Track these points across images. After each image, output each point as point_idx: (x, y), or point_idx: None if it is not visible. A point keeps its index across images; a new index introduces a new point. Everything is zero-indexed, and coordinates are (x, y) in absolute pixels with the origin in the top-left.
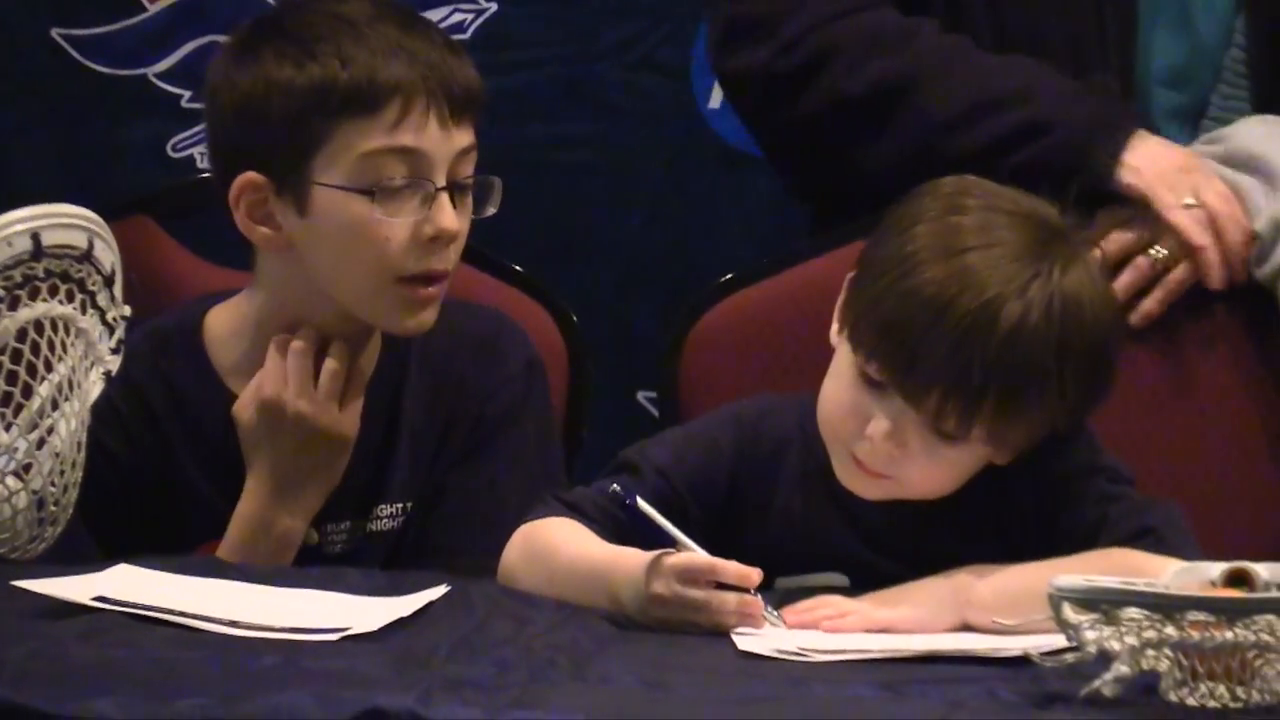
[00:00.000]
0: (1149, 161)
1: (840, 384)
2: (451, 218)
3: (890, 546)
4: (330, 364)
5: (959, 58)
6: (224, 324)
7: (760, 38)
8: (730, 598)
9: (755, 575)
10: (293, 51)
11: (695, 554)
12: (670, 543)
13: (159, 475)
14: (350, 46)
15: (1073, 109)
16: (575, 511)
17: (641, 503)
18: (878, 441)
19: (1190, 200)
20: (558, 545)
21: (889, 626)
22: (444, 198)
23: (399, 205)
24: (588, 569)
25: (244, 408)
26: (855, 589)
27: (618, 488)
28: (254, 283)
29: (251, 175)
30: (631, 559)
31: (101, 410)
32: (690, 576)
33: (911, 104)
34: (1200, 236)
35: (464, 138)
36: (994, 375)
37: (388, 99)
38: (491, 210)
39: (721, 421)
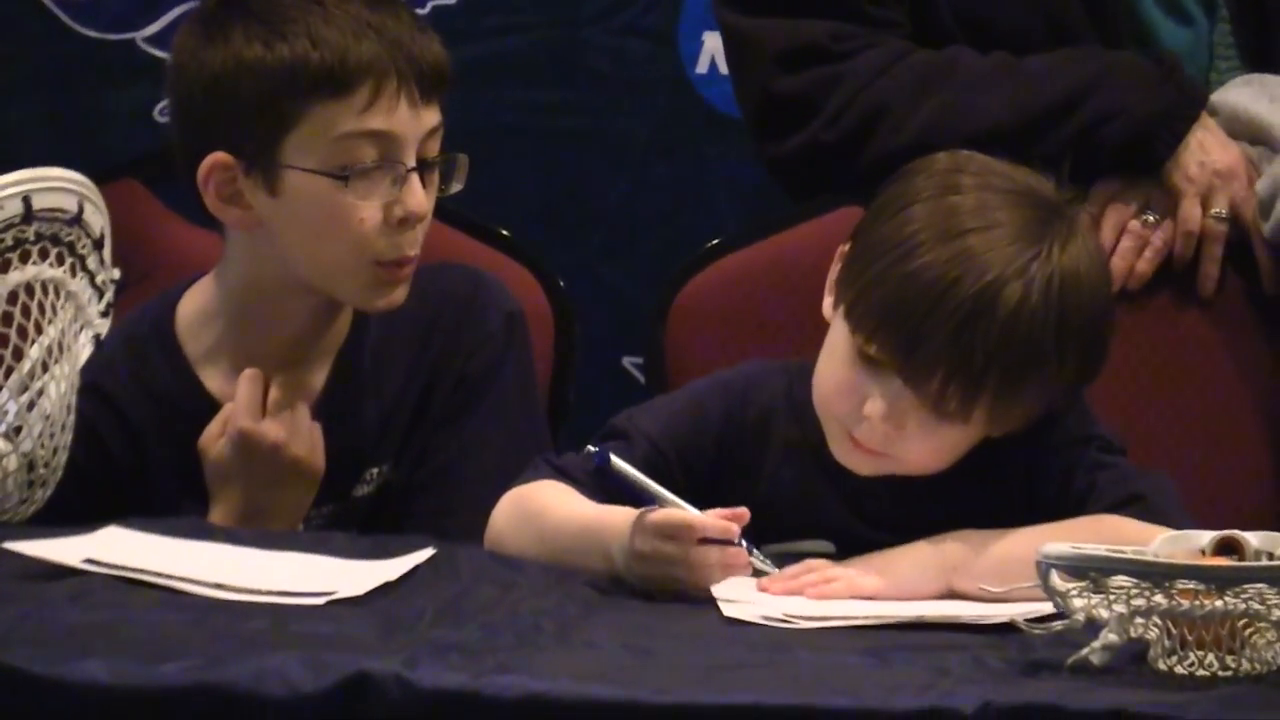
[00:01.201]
0: (1196, 163)
1: (836, 362)
2: (421, 199)
3: (878, 516)
4: (302, 405)
5: (1007, 71)
6: (194, 308)
7: (802, 116)
8: (712, 551)
9: (734, 528)
10: (261, 31)
11: (676, 510)
12: (653, 501)
13: (134, 486)
14: (320, 26)
15: (1136, 95)
16: (564, 476)
17: (616, 461)
18: (875, 421)
19: (1221, 212)
20: (547, 506)
21: (875, 594)
22: (414, 179)
23: (370, 188)
24: (579, 528)
25: (211, 440)
26: (842, 556)
27: (591, 448)
28: (222, 262)
29: (220, 155)
30: (621, 516)
31: (79, 428)
32: (670, 533)
33: (968, 130)
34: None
35: (432, 117)
36: (996, 358)
37: (359, 81)
38: (458, 187)
39: (710, 388)
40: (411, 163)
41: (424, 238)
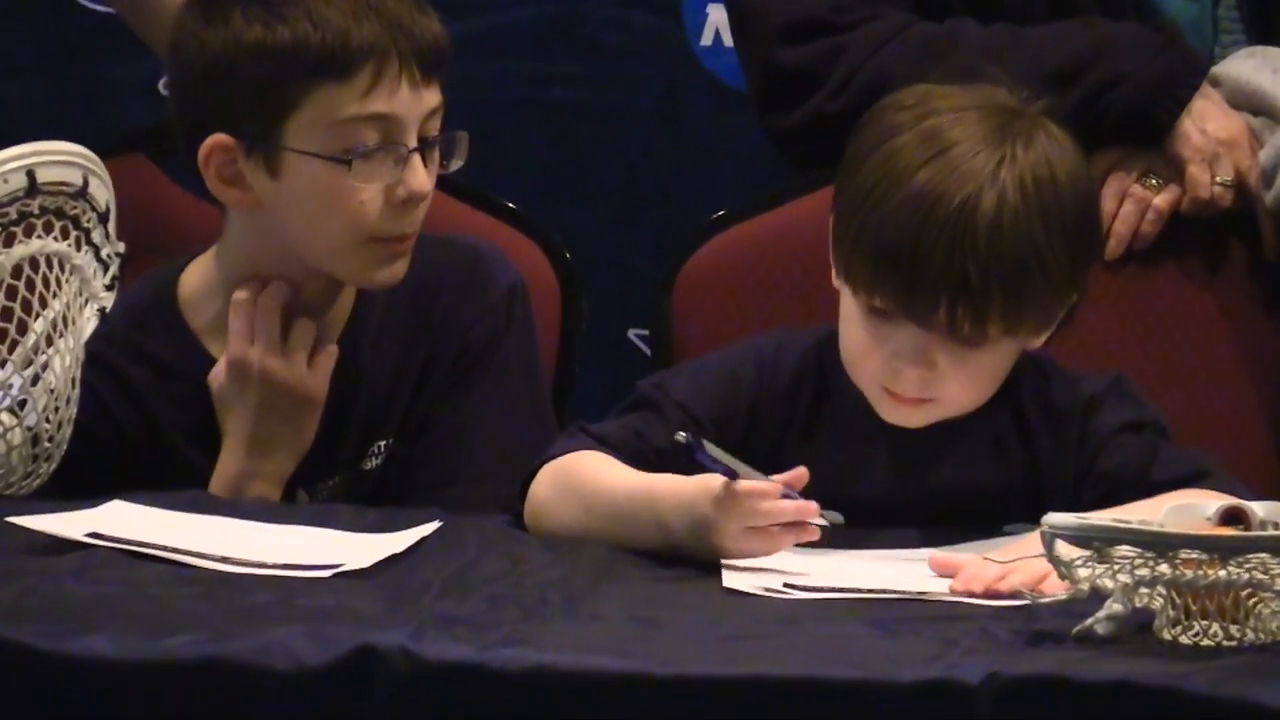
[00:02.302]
0: (1198, 131)
1: (853, 326)
2: (423, 179)
3: (883, 483)
4: (304, 321)
5: (1010, 42)
6: (196, 283)
7: (806, 87)
8: (788, 506)
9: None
10: (260, 12)
11: (761, 483)
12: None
13: (144, 452)
14: (320, 7)
15: (1139, 61)
16: (603, 444)
17: (709, 447)
18: (906, 369)
19: (1227, 179)
20: (591, 476)
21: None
22: (416, 159)
23: (373, 170)
24: (626, 496)
25: (216, 376)
26: (847, 523)
27: (683, 437)
28: (223, 240)
29: (220, 137)
30: (679, 485)
31: (83, 396)
32: (762, 496)
33: None
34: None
35: (433, 97)
36: (991, 269)
37: (361, 63)
38: (458, 164)
39: (741, 354)
40: (413, 143)
41: (430, 211)
